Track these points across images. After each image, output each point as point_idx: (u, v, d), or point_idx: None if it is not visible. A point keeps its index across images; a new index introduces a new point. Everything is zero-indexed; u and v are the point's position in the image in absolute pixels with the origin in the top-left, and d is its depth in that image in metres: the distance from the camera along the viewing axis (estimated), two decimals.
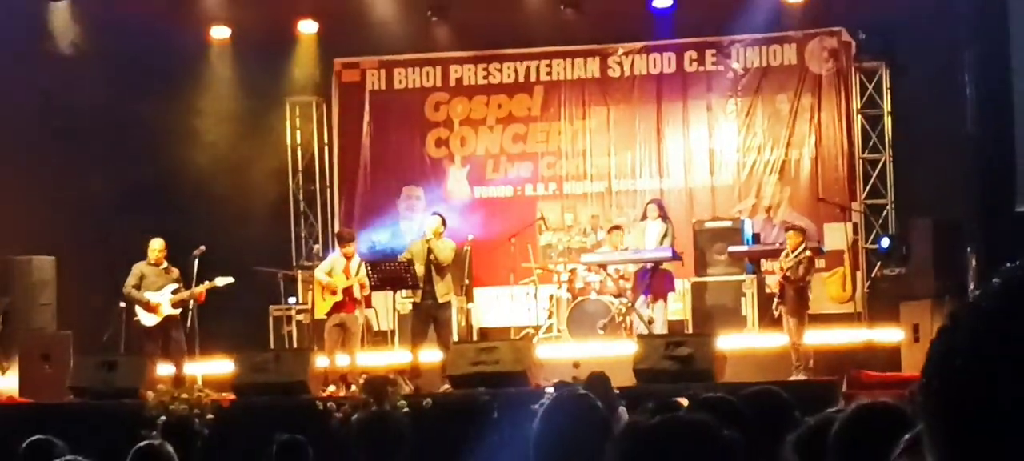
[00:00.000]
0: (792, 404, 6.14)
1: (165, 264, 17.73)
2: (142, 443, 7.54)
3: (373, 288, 18.30)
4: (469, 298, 19.88)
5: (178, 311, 17.60)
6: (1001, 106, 15.08)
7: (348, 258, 17.87)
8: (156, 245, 17.75)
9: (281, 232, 21.98)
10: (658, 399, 9.38)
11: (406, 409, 14.72)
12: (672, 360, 16.00)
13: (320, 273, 18.05)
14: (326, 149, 22.37)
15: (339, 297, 17.62)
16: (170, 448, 7.52)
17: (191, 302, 17.64)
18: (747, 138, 21.33)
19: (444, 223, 17.95)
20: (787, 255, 17.61)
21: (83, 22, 19.17)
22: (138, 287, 17.58)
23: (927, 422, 1.20)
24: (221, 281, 17.65)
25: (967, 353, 1.16)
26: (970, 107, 15.87)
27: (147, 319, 17.58)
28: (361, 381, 15.83)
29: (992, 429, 1.13)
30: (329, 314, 17.70)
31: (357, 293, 17.69)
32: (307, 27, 21.03)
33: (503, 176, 21.94)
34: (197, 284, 17.58)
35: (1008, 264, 1.18)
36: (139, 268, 17.68)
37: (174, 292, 17.55)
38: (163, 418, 12.52)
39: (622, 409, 11.11)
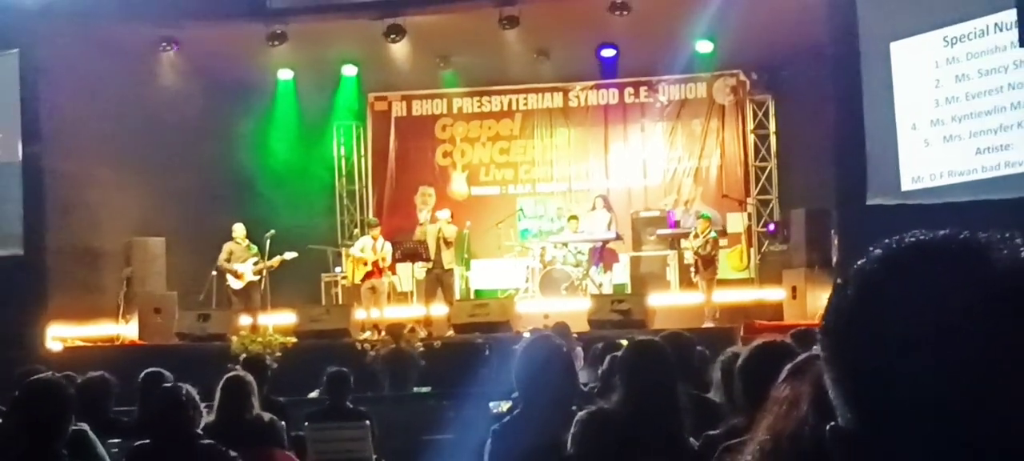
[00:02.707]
0: (694, 341, 6.31)
1: (246, 242, 17.86)
2: (230, 373, 7.51)
3: (397, 261, 18.43)
4: (467, 268, 19.86)
5: (258, 278, 17.69)
6: (855, 126, 15.09)
7: (375, 239, 18.00)
8: (240, 231, 17.92)
9: (329, 219, 21.93)
10: (606, 341, 9.35)
11: (422, 348, 14.74)
12: (616, 313, 16.00)
13: (355, 250, 18.25)
14: (362, 159, 22.31)
15: (369, 267, 17.77)
16: (250, 377, 7.50)
17: (265, 270, 17.77)
18: (670, 151, 21.33)
19: (452, 214, 18.08)
20: (697, 235, 17.64)
21: (186, 64, 19.14)
22: (228, 260, 17.89)
23: (825, 352, 1.21)
24: (288, 255, 17.89)
25: (854, 304, 1.17)
26: (833, 128, 15.86)
27: (235, 284, 17.83)
28: (384, 328, 15.88)
29: (868, 356, 1.14)
30: (363, 280, 17.83)
31: (381, 264, 17.82)
32: (349, 71, 20.95)
33: (492, 179, 21.91)
34: (271, 257, 17.74)
35: (886, 239, 1.19)
36: (228, 246, 17.94)
37: (255, 264, 17.70)
38: (244, 355, 12.43)
39: (579, 349, 11.05)
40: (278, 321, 17.63)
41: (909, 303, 1.13)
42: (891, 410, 1.12)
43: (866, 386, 1.14)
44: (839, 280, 1.20)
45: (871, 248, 1.18)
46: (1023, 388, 1.09)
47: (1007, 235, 1.16)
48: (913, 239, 1.18)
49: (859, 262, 1.18)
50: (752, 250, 20.15)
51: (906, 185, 14.64)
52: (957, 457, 1.10)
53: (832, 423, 1.19)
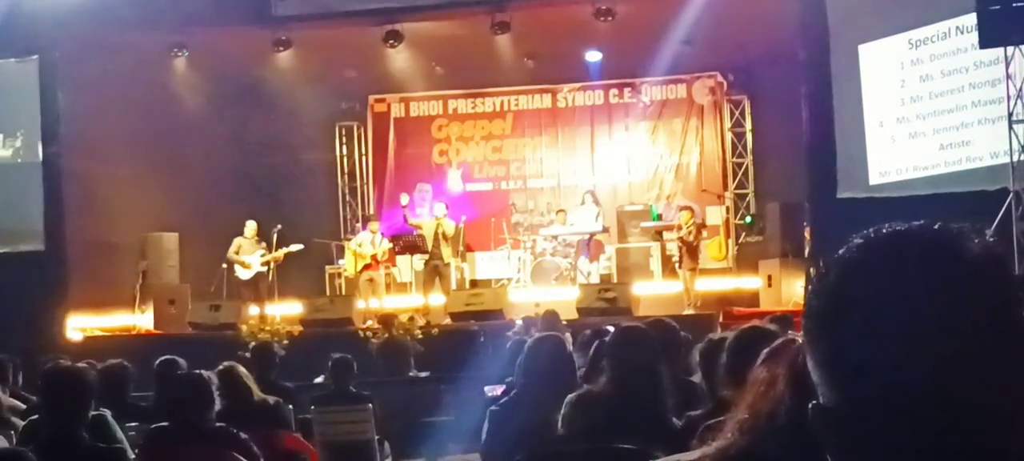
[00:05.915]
0: (676, 327, 6.33)
1: (255, 237, 17.94)
2: (220, 367, 7.30)
3: (397, 253, 18.46)
4: (463, 259, 19.81)
5: (265, 269, 17.72)
6: (826, 124, 15.11)
7: (373, 234, 18.12)
8: (251, 227, 18.05)
9: (333, 214, 21.91)
10: (593, 328, 9.33)
11: (420, 336, 14.73)
12: (603, 301, 15.99)
13: (354, 245, 18.30)
14: (363, 158, 22.29)
15: (368, 260, 17.84)
16: (241, 367, 7.47)
17: (273, 262, 17.78)
18: (653, 148, 21.33)
19: (449, 209, 18.13)
20: (681, 226, 17.67)
21: (197, 68, 19.15)
22: (237, 253, 17.93)
23: (807, 331, 1.22)
24: (294, 248, 17.97)
25: (835, 289, 1.18)
26: (805, 125, 15.87)
27: (243, 274, 17.84)
28: (376, 319, 15.93)
29: (848, 339, 1.14)
30: (361, 272, 17.89)
31: (380, 257, 17.89)
32: (350, 74, 20.96)
33: (486, 176, 21.91)
34: (278, 250, 17.75)
35: (866, 229, 1.20)
36: (238, 241, 18.03)
37: (262, 256, 17.73)
38: (252, 343, 12.42)
39: (568, 335, 11.02)
40: (285, 311, 17.64)
41: (886, 290, 1.13)
42: (869, 391, 1.13)
43: (846, 367, 1.15)
44: (821, 266, 1.20)
45: (852, 237, 1.19)
46: (992, 372, 1.10)
47: (978, 227, 1.17)
48: (891, 229, 1.19)
49: (841, 250, 1.19)
50: (730, 241, 20.16)
51: (874, 179, 14.67)
52: (933, 437, 1.10)
53: (814, 402, 1.19)
